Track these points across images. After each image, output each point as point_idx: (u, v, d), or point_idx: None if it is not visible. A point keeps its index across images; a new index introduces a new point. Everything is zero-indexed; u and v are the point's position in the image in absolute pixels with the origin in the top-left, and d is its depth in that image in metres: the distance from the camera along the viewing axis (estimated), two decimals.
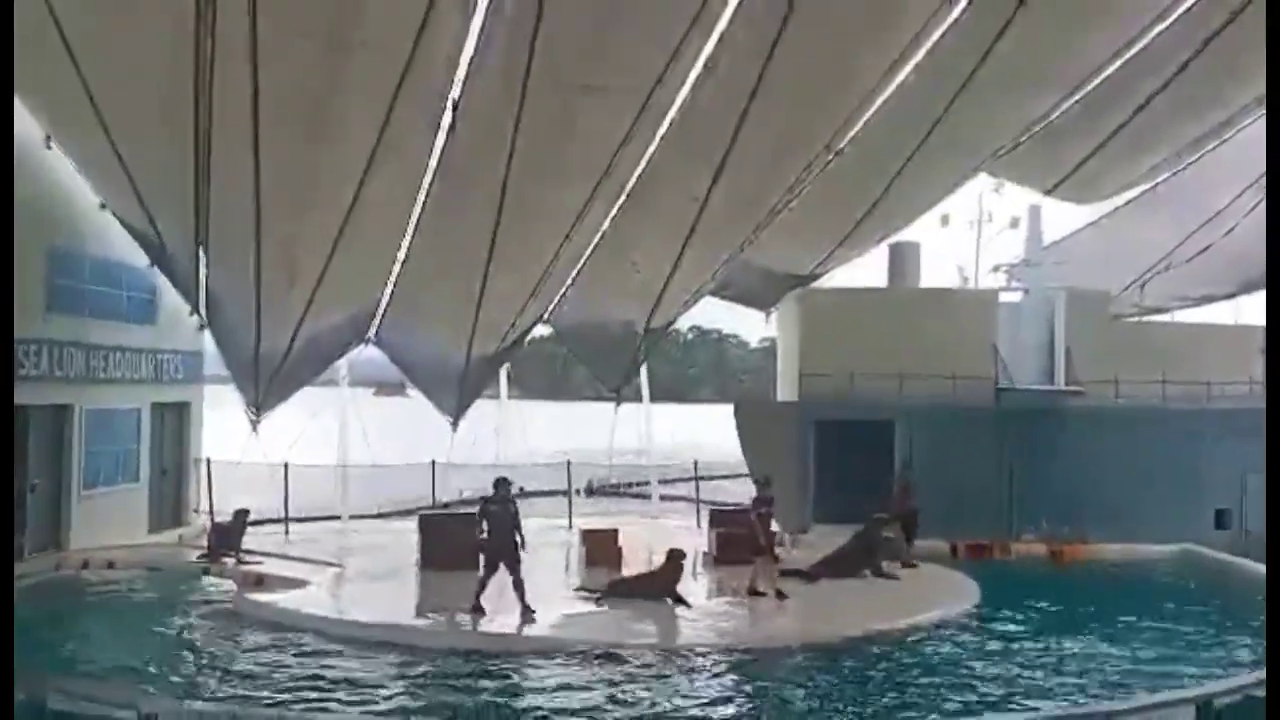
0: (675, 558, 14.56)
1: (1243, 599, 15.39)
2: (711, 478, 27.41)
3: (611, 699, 11.14)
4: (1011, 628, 14.56)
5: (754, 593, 15.50)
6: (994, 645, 13.65)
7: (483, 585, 14.15)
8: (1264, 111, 20.95)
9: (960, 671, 12.41)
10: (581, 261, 20.19)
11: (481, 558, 14.24)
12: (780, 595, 15.34)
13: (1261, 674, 8.29)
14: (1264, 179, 24.27)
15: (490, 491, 14.43)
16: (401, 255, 18.79)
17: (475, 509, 15.19)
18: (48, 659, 12.17)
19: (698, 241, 19.62)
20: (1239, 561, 17.80)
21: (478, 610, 14.04)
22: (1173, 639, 13.97)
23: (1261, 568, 16.07)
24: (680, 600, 14.38)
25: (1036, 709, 10.57)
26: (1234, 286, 28.77)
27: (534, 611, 13.95)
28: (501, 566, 14.09)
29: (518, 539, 14.12)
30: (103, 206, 18.06)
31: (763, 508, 15.79)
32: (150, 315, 20.69)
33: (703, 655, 12.69)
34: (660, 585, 14.68)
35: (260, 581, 16.51)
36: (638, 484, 28.92)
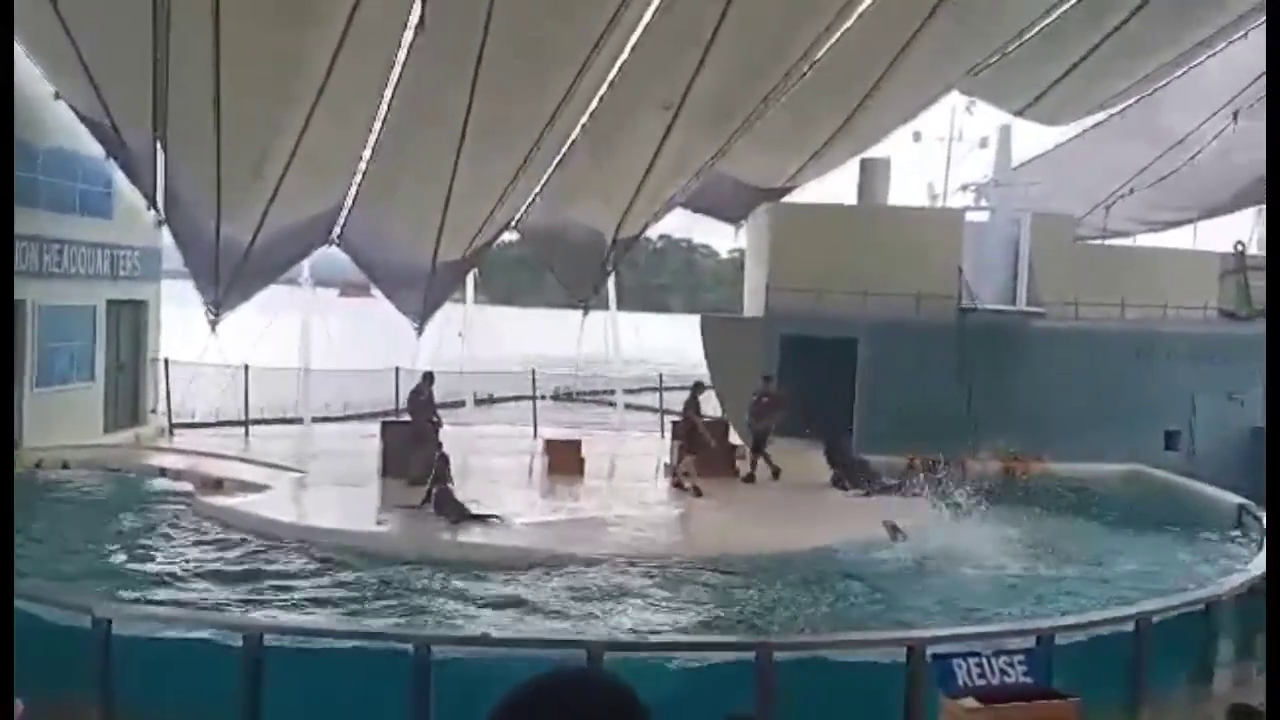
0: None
1: (1187, 518, 15.83)
2: (677, 389, 27.44)
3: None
4: None
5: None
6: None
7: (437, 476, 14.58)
8: (1224, 44, 21.48)
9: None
10: (552, 167, 19.91)
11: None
12: (697, 491, 16.60)
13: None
14: (1228, 107, 24.65)
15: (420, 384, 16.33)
16: (367, 153, 18.42)
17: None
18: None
19: (669, 150, 19.38)
20: (1184, 482, 18.19)
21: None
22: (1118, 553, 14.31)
23: (1205, 488, 16.62)
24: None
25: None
26: (1194, 212, 29.03)
27: (428, 504, 14.34)
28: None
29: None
30: (57, 96, 17.49)
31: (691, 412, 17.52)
32: (106, 209, 20.16)
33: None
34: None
35: (219, 485, 16.41)
36: (603, 393, 28.95)
